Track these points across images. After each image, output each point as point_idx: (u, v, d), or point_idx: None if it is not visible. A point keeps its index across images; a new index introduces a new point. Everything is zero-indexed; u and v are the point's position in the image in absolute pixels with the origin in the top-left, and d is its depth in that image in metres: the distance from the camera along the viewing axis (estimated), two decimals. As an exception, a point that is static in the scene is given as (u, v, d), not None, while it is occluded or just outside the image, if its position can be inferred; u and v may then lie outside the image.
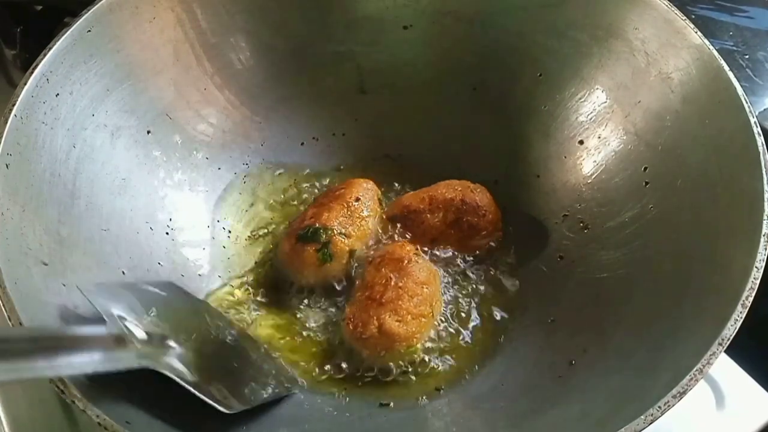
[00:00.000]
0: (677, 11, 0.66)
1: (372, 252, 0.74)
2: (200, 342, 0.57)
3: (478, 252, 0.75)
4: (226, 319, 0.68)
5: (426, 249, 0.75)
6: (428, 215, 0.74)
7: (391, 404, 0.66)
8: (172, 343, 0.54)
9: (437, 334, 0.70)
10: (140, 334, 0.51)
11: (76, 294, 0.57)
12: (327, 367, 0.68)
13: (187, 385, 0.52)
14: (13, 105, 0.59)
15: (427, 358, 0.68)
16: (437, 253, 0.75)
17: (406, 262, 0.69)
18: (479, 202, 0.74)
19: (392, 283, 0.67)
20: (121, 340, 0.49)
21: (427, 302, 0.68)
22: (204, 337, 0.59)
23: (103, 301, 0.53)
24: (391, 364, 0.67)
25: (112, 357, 0.48)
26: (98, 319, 0.51)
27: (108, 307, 0.52)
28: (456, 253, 0.75)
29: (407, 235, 0.75)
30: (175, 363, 0.53)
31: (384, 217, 0.76)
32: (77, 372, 0.47)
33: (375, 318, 0.65)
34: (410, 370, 0.67)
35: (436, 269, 0.72)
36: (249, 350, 0.64)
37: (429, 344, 0.69)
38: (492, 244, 0.76)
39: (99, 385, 0.51)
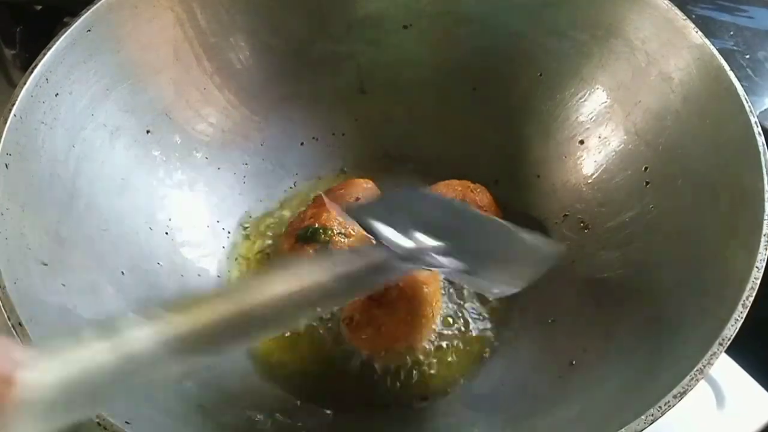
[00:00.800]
0: (677, 11, 0.66)
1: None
2: (458, 236, 0.57)
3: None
4: (469, 208, 0.68)
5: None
6: None
7: (391, 404, 0.66)
8: (435, 242, 0.53)
9: (437, 334, 0.70)
10: (404, 243, 0.51)
11: (75, 294, 0.57)
12: (327, 367, 0.68)
13: (468, 274, 0.54)
14: (13, 105, 0.59)
15: (427, 358, 0.68)
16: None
17: None
18: (479, 202, 0.74)
19: (392, 283, 0.67)
20: (390, 254, 0.50)
21: (427, 302, 0.67)
22: (460, 230, 0.59)
23: (367, 219, 0.53)
24: (391, 364, 0.67)
25: (402, 267, 0.50)
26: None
27: (372, 225, 0.52)
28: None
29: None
30: (446, 260, 0.53)
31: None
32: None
33: (375, 318, 0.65)
34: (410, 370, 0.67)
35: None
36: (501, 231, 0.63)
37: (429, 344, 0.69)
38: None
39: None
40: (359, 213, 0.57)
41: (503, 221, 0.65)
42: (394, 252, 0.50)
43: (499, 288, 0.57)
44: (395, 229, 0.52)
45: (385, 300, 0.66)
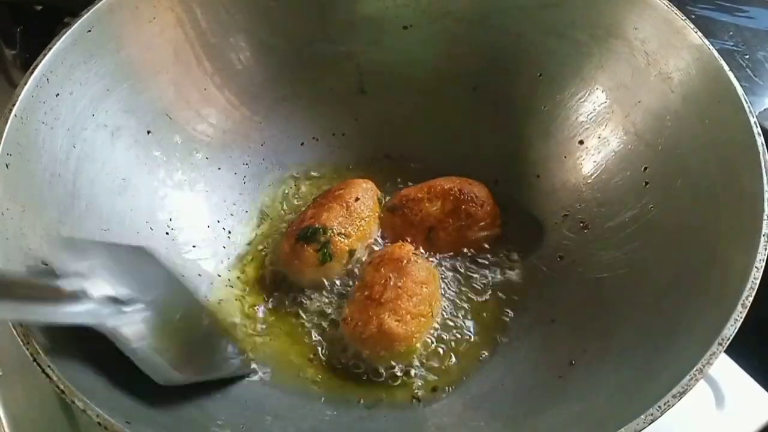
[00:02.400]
0: (677, 11, 0.66)
1: (372, 251, 0.74)
2: (161, 309, 0.57)
3: (477, 247, 0.75)
4: (194, 298, 0.67)
5: (425, 245, 0.75)
6: (426, 203, 0.75)
7: (391, 404, 0.66)
8: (135, 306, 0.54)
9: (437, 333, 0.70)
10: (100, 291, 0.51)
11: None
12: (326, 366, 0.68)
13: (125, 350, 0.52)
14: (13, 105, 0.59)
15: (426, 358, 0.68)
16: (437, 252, 0.75)
17: (405, 262, 0.69)
18: (477, 193, 0.75)
19: (391, 283, 0.67)
20: (73, 295, 0.49)
21: (426, 302, 0.68)
22: (166, 305, 0.59)
23: (65, 256, 0.52)
24: (392, 363, 0.67)
25: (58, 310, 0.48)
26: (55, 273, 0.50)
27: (68, 263, 0.51)
28: (456, 252, 0.75)
29: (407, 239, 0.75)
30: (124, 328, 0.52)
31: (384, 209, 0.77)
32: (17, 317, 0.46)
33: (374, 318, 0.65)
34: (410, 369, 0.67)
35: (435, 269, 0.72)
36: (209, 327, 0.64)
37: (429, 344, 0.69)
38: (489, 233, 0.75)
39: (99, 385, 0.51)
40: (68, 246, 0.55)
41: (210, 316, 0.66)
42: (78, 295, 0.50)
43: (161, 367, 0.54)
44: (103, 277, 0.52)
45: (385, 300, 0.66)
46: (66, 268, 0.50)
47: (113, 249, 0.59)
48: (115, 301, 0.53)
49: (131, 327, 0.53)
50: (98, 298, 0.51)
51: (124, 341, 0.52)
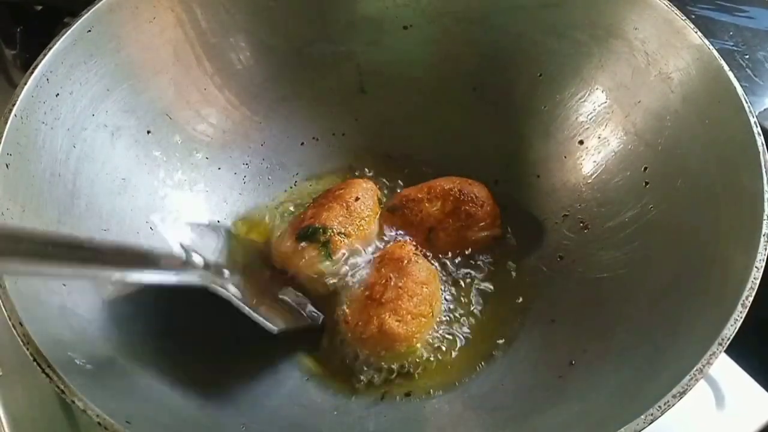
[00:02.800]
0: (677, 11, 0.66)
1: (372, 251, 0.74)
2: (248, 274, 0.67)
3: (477, 247, 0.75)
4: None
5: (426, 245, 0.75)
6: (426, 204, 0.75)
7: (392, 404, 0.66)
8: (226, 272, 0.63)
9: (437, 333, 0.70)
10: (200, 261, 0.61)
11: (75, 293, 0.57)
12: (327, 366, 0.68)
13: (241, 305, 0.61)
14: (13, 105, 0.59)
15: (427, 358, 0.68)
16: (437, 252, 0.75)
17: (405, 261, 0.69)
18: (477, 194, 0.75)
19: (392, 283, 0.67)
20: (186, 263, 0.59)
21: (426, 302, 0.68)
22: (252, 270, 0.69)
23: (172, 233, 0.64)
24: (392, 363, 0.67)
25: (177, 274, 0.57)
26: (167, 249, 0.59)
27: (175, 238, 0.64)
28: (456, 251, 0.75)
29: (406, 237, 0.75)
30: (230, 287, 0.62)
31: (384, 209, 0.77)
32: (147, 281, 0.54)
33: (375, 318, 0.65)
34: (410, 369, 0.67)
35: (435, 269, 0.72)
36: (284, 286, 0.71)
37: (429, 344, 0.69)
38: (489, 234, 0.75)
39: (99, 385, 0.51)
40: (186, 227, 0.71)
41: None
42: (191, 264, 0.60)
43: (264, 321, 0.64)
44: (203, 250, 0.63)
45: (386, 300, 0.66)
46: (175, 239, 0.64)
47: (196, 228, 0.71)
48: (216, 267, 0.63)
49: (233, 288, 0.63)
50: (201, 264, 0.61)
51: (237, 296, 0.62)
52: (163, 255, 0.56)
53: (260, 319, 0.62)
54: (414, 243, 0.74)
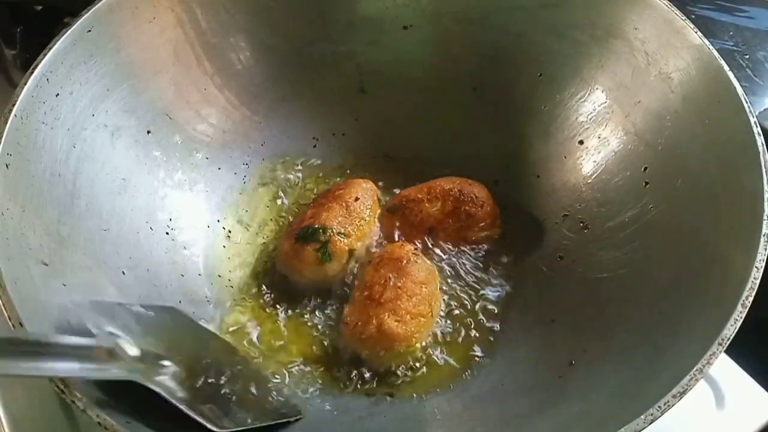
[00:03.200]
0: (677, 11, 0.66)
1: (371, 251, 0.74)
2: (196, 364, 0.58)
3: (477, 247, 0.75)
4: (233, 349, 0.68)
5: (426, 245, 0.75)
6: (426, 204, 0.75)
7: (391, 404, 0.66)
8: (165, 362, 0.55)
9: (437, 333, 0.70)
10: (132, 351, 0.53)
11: (75, 294, 0.57)
12: (326, 366, 0.68)
13: (173, 401, 0.52)
14: (13, 105, 0.59)
15: (426, 358, 0.68)
16: (437, 252, 0.75)
17: (404, 261, 0.69)
18: (477, 194, 0.75)
19: (391, 283, 0.67)
20: (111, 353, 0.51)
21: (426, 302, 0.68)
22: (201, 360, 0.60)
23: (96, 317, 0.54)
24: (391, 363, 0.67)
25: (100, 367, 0.50)
26: (91, 333, 0.52)
27: (101, 323, 0.53)
28: (456, 251, 0.75)
29: (403, 238, 0.75)
30: (166, 380, 0.54)
31: (383, 210, 0.77)
32: (63, 375, 0.48)
33: (374, 318, 0.65)
34: (410, 369, 0.67)
35: (434, 269, 0.72)
36: (251, 380, 0.64)
37: (428, 344, 0.69)
38: (489, 234, 0.76)
39: (99, 385, 0.51)
40: (95, 308, 0.57)
41: (250, 364, 0.66)
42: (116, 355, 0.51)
43: (205, 422, 0.54)
44: (128, 334, 0.54)
45: (385, 300, 0.66)
46: (99, 325, 0.53)
47: (139, 311, 0.61)
48: (153, 356, 0.55)
49: (177, 378, 0.55)
50: (134, 355, 0.53)
51: (173, 391, 0.53)
52: (76, 344, 0.49)
53: (196, 417, 0.53)
54: (415, 242, 0.74)
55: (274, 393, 0.64)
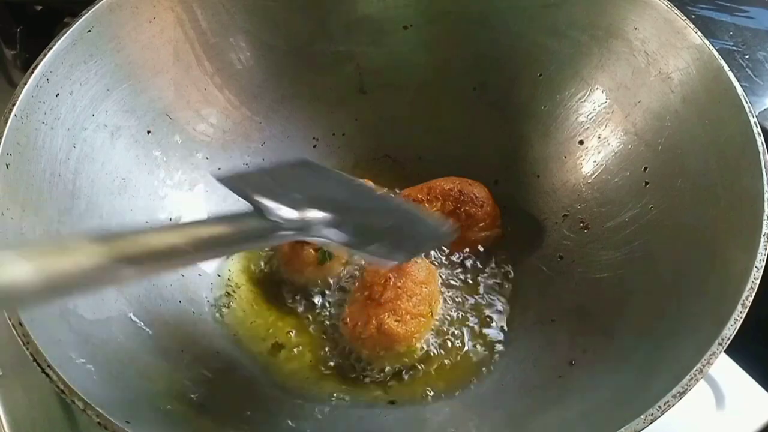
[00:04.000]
0: (677, 11, 0.66)
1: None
2: (343, 209, 0.57)
3: (477, 248, 0.75)
4: (368, 188, 0.68)
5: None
6: (427, 204, 0.75)
7: (391, 404, 0.66)
8: (320, 214, 0.54)
9: (436, 334, 0.70)
10: (289, 214, 0.52)
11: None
12: (326, 366, 0.68)
13: (347, 247, 0.54)
14: (13, 105, 0.59)
15: (425, 358, 0.68)
16: (437, 253, 0.75)
17: None
18: (477, 194, 0.75)
19: (391, 283, 0.67)
20: (270, 224, 0.51)
21: (426, 302, 0.68)
22: (347, 204, 0.59)
23: (250, 192, 0.54)
24: (391, 364, 0.67)
25: (276, 236, 0.51)
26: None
27: (247, 193, 0.54)
28: (456, 251, 0.75)
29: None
30: (330, 231, 0.53)
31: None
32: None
33: (374, 318, 0.65)
34: (409, 370, 0.67)
35: (434, 269, 0.72)
36: (396, 208, 0.64)
37: (428, 344, 0.69)
38: (489, 234, 0.75)
39: (99, 385, 0.51)
40: (234, 182, 0.57)
41: (395, 198, 0.67)
42: (273, 221, 0.50)
43: (382, 259, 0.57)
44: (277, 199, 0.52)
45: (385, 300, 0.66)
46: (256, 200, 0.53)
47: (275, 171, 0.61)
48: (308, 211, 0.53)
49: (332, 231, 0.54)
50: (292, 217, 0.52)
51: (342, 239, 0.53)
52: (251, 224, 0.50)
53: (373, 258, 0.55)
54: None
55: (420, 222, 0.63)
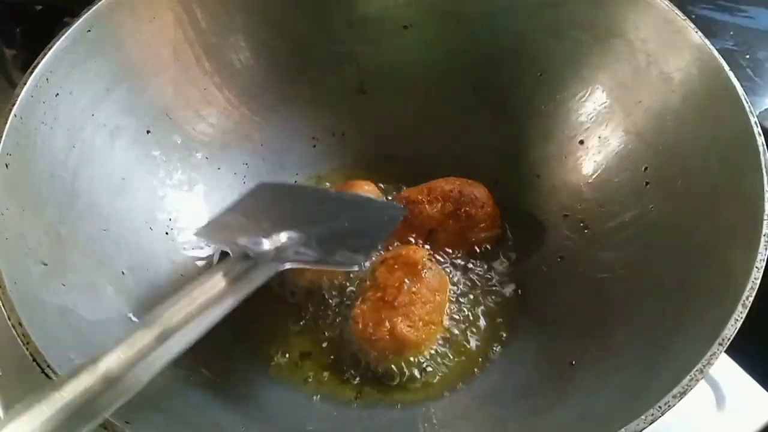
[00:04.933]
0: (677, 11, 0.66)
1: (382, 252, 0.73)
2: (308, 222, 0.57)
3: (477, 248, 0.75)
4: (322, 189, 0.69)
5: (429, 250, 0.75)
6: (427, 206, 0.74)
7: (391, 405, 0.66)
8: (287, 237, 0.54)
9: (438, 334, 0.70)
10: (261, 247, 0.52)
11: (75, 294, 0.57)
12: (327, 367, 0.68)
13: (316, 265, 0.54)
14: (13, 105, 0.59)
15: (428, 359, 0.68)
16: (439, 255, 0.75)
17: (420, 267, 0.68)
18: (477, 195, 0.75)
19: (406, 288, 0.66)
20: (252, 262, 0.51)
21: (438, 310, 0.67)
22: (309, 215, 0.60)
23: (219, 237, 0.55)
24: (397, 366, 0.67)
25: (253, 277, 0.50)
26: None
27: (226, 240, 0.53)
28: (456, 252, 0.75)
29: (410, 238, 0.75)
30: (300, 250, 0.54)
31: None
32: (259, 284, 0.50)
33: (387, 321, 0.64)
34: (411, 370, 0.67)
35: (446, 277, 0.72)
36: (346, 205, 0.65)
37: (432, 346, 0.69)
38: (489, 234, 0.75)
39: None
40: (208, 233, 0.59)
41: (343, 192, 0.69)
42: (255, 258, 0.50)
43: (345, 268, 0.59)
44: (249, 235, 0.52)
45: (399, 304, 0.66)
46: (228, 242, 0.53)
47: (240, 205, 0.60)
48: (278, 239, 0.54)
49: (301, 248, 0.54)
50: (265, 250, 0.52)
51: (309, 257, 0.54)
52: (227, 272, 0.49)
53: (337, 269, 0.56)
54: (429, 250, 0.74)
55: (375, 204, 0.65)
